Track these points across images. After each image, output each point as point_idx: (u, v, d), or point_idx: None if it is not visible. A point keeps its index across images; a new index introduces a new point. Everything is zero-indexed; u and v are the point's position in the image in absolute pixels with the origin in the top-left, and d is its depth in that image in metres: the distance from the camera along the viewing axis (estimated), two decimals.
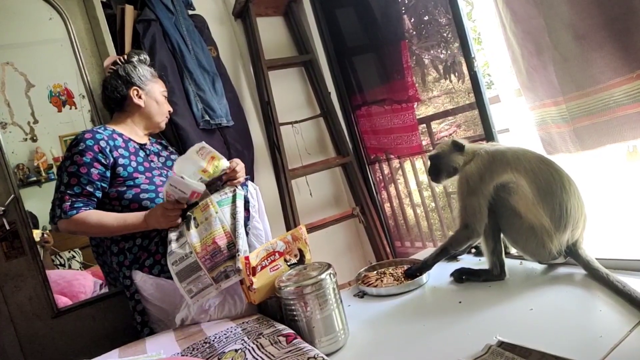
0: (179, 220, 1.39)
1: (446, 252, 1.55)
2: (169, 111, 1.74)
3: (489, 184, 1.40)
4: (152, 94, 1.65)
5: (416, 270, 1.57)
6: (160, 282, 1.41)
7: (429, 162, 1.60)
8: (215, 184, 1.50)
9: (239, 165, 1.50)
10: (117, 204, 1.46)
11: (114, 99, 1.62)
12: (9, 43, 1.94)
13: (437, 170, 1.57)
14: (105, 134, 1.50)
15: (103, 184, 1.45)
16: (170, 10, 2.14)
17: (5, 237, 1.67)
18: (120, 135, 1.56)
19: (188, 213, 1.42)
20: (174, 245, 1.35)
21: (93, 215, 1.40)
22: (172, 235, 1.39)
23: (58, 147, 1.95)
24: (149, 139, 1.71)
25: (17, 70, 1.91)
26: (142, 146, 1.61)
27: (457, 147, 1.52)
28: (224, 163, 1.44)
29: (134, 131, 1.63)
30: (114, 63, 1.66)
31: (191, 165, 1.40)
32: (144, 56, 1.71)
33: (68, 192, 1.40)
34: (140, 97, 1.62)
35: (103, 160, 1.44)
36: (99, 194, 1.44)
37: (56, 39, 1.98)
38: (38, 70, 1.95)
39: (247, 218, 1.47)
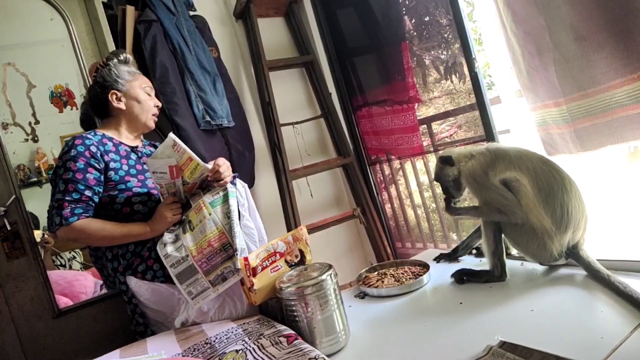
0: (180, 215, 1.42)
1: (476, 215, 1.50)
2: (157, 106, 1.66)
3: (493, 178, 1.40)
4: (132, 93, 1.58)
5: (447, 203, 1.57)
6: (155, 287, 1.41)
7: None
8: (207, 185, 1.50)
9: (224, 165, 1.46)
10: (110, 208, 1.44)
11: (96, 106, 1.60)
12: (10, 43, 1.94)
13: (446, 189, 1.58)
14: (95, 139, 1.48)
15: (99, 189, 1.43)
16: (172, 11, 2.15)
17: (7, 238, 1.67)
18: (111, 139, 1.54)
19: (184, 217, 1.42)
20: (169, 249, 1.35)
21: (94, 224, 1.39)
22: (167, 238, 1.38)
23: (59, 148, 1.95)
24: (142, 141, 1.68)
25: (18, 71, 1.92)
26: (133, 149, 1.59)
27: (445, 161, 1.53)
28: (203, 165, 1.41)
29: (123, 134, 1.60)
30: (96, 69, 1.63)
31: (165, 163, 1.37)
32: (124, 55, 1.65)
33: (66, 198, 1.38)
34: (119, 100, 1.57)
35: (96, 165, 1.43)
36: (96, 199, 1.43)
37: (57, 40, 1.99)
38: (39, 70, 1.95)
39: (237, 218, 1.46)
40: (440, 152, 1.59)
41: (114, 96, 1.57)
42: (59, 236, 1.40)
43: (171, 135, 1.36)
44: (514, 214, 1.38)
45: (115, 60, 1.62)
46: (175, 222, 1.44)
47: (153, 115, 1.64)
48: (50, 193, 1.45)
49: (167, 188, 1.40)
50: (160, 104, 1.69)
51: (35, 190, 1.91)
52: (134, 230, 1.42)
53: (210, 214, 1.37)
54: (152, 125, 1.66)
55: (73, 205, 1.38)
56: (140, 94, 1.60)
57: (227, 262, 1.33)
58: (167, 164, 1.34)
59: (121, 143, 1.56)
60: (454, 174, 1.52)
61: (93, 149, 1.44)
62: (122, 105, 1.57)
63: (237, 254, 1.32)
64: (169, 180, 1.37)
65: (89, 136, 1.48)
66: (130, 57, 1.69)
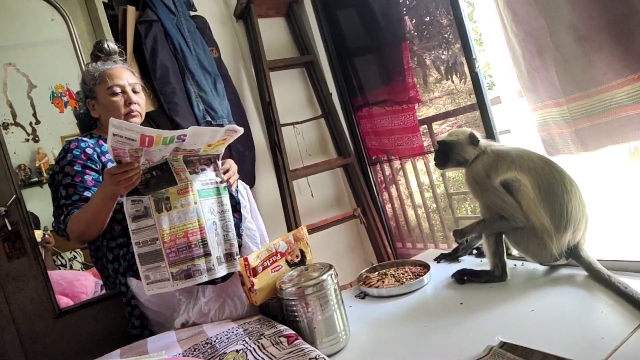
0: (136, 182, 1.23)
1: (480, 230, 1.50)
2: (130, 102, 1.50)
3: (494, 180, 1.40)
4: (99, 100, 1.51)
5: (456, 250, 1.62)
6: None
7: (437, 146, 1.56)
8: (194, 163, 1.35)
9: (231, 170, 1.45)
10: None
11: (87, 111, 1.58)
12: (11, 44, 1.95)
13: (446, 157, 1.53)
14: (91, 141, 1.48)
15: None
16: (172, 11, 2.15)
17: (7, 238, 1.67)
18: (107, 140, 1.53)
19: (162, 190, 1.26)
20: (140, 223, 1.25)
21: (75, 213, 1.37)
22: (134, 210, 1.25)
23: (60, 148, 1.93)
24: None
25: (19, 71, 1.92)
26: None
27: (473, 140, 1.49)
28: (222, 148, 1.38)
29: None
30: None
31: (208, 137, 1.28)
32: (105, 46, 1.54)
33: (66, 203, 1.39)
34: (94, 108, 1.53)
35: (94, 167, 1.43)
36: None
37: (58, 40, 1.99)
38: (40, 71, 1.96)
39: (239, 220, 1.45)
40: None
41: (90, 104, 1.54)
42: (71, 239, 1.40)
43: (238, 128, 1.33)
44: (515, 218, 1.37)
45: (93, 57, 1.54)
46: (134, 190, 1.26)
47: (128, 113, 1.51)
48: (51, 197, 1.45)
49: (130, 152, 1.18)
50: (133, 101, 1.53)
51: (36, 190, 1.92)
52: (93, 198, 1.34)
53: (195, 203, 1.29)
54: (132, 122, 1.48)
55: (70, 208, 1.38)
56: (105, 98, 1.49)
57: (197, 260, 1.27)
58: (141, 132, 1.12)
59: None
60: (469, 157, 1.49)
61: (89, 151, 1.44)
62: (95, 114, 1.55)
63: (213, 264, 1.28)
64: (136, 146, 1.16)
65: (84, 139, 1.48)
66: (112, 45, 1.57)
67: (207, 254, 1.28)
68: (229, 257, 1.34)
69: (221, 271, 1.31)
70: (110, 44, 1.57)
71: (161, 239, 1.23)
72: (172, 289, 1.26)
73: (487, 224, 1.44)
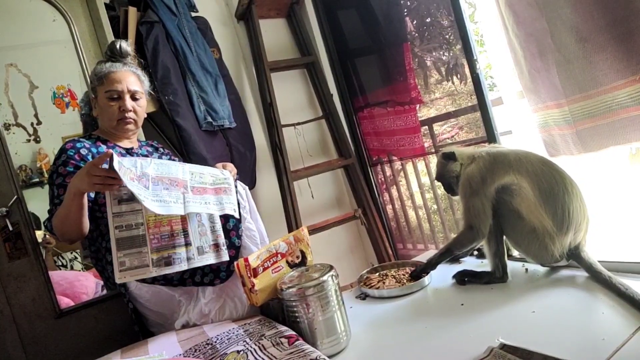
0: (107, 189, 1.19)
1: (450, 253, 1.55)
2: (123, 109, 1.49)
3: (490, 185, 1.40)
4: (98, 99, 1.50)
5: (421, 271, 1.58)
6: (155, 289, 1.40)
7: (439, 182, 1.63)
8: None
9: (232, 172, 1.48)
10: (105, 210, 1.43)
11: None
12: (12, 44, 1.95)
13: (447, 186, 1.58)
14: (88, 142, 1.47)
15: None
16: (173, 12, 2.15)
17: (8, 238, 1.67)
18: (105, 141, 1.52)
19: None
20: (124, 207, 1.22)
21: (55, 212, 1.35)
22: (120, 192, 1.22)
23: None
24: (139, 142, 1.65)
25: (20, 72, 1.92)
26: (128, 151, 1.56)
27: (448, 157, 1.53)
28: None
29: (116, 137, 1.56)
30: None
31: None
32: (117, 46, 1.54)
33: (56, 202, 1.38)
34: (95, 107, 1.53)
35: None
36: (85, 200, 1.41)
37: (60, 41, 1.99)
38: (41, 71, 1.96)
39: (238, 220, 1.45)
40: (441, 149, 1.60)
41: (93, 102, 1.54)
42: (60, 240, 1.40)
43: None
44: (479, 232, 1.42)
45: (105, 56, 1.54)
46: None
47: (121, 119, 1.50)
48: (49, 196, 1.45)
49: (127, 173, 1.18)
50: (127, 108, 1.50)
51: (37, 191, 1.91)
52: (65, 197, 1.31)
53: None
54: (126, 128, 1.53)
55: (59, 207, 1.36)
56: (102, 100, 1.49)
57: (179, 248, 1.28)
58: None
59: (116, 145, 1.54)
60: (457, 170, 1.51)
61: (83, 151, 1.43)
62: (95, 113, 1.55)
63: (193, 254, 1.30)
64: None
65: (81, 139, 1.47)
66: (125, 46, 1.56)
67: (187, 244, 1.30)
68: (215, 247, 1.35)
69: (202, 261, 1.32)
70: (123, 45, 1.55)
71: (146, 225, 1.24)
72: (149, 276, 1.24)
73: (452, 244, 1.52)
